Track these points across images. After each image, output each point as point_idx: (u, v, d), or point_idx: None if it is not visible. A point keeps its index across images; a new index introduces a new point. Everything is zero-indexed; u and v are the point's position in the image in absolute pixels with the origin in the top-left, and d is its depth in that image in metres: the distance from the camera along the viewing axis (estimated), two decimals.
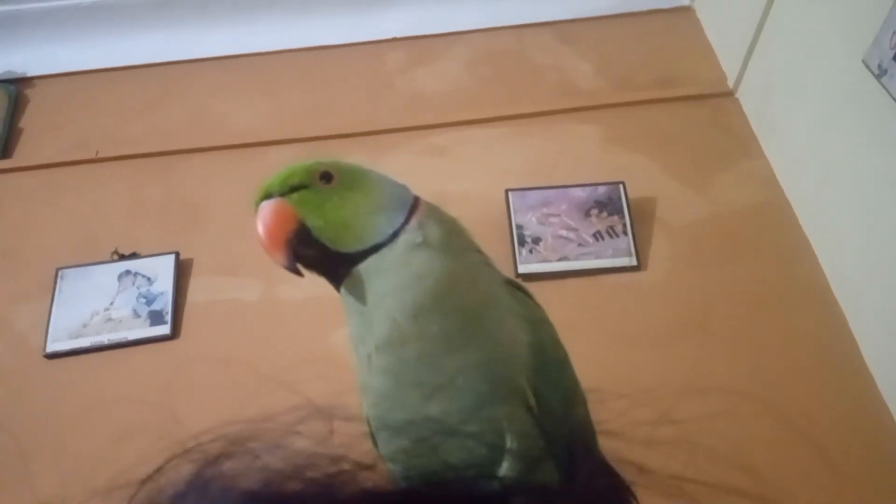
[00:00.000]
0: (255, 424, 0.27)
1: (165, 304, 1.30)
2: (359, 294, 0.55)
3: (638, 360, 1.17)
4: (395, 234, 0.55)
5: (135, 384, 1.22)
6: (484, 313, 0.55)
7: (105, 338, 1.26)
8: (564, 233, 1.31)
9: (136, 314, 1.29)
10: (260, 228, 0.55)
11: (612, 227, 1.32)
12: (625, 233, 1.31)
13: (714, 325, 1.21)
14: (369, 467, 0.26)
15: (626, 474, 0.29)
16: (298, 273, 0.56)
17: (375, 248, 0.54)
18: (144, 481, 0.25)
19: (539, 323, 0.60)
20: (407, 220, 0.55)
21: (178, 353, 1.25)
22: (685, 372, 1.15)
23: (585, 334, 1.18)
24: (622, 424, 0.36)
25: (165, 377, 1.21)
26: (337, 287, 0.57)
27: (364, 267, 0.54)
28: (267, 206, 0.55)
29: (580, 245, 1.30)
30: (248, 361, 1.19)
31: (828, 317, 1.21)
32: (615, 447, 0.32)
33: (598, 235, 1.31)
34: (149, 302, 1.30)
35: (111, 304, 1.30)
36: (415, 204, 0.57)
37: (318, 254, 0.55)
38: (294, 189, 0.55)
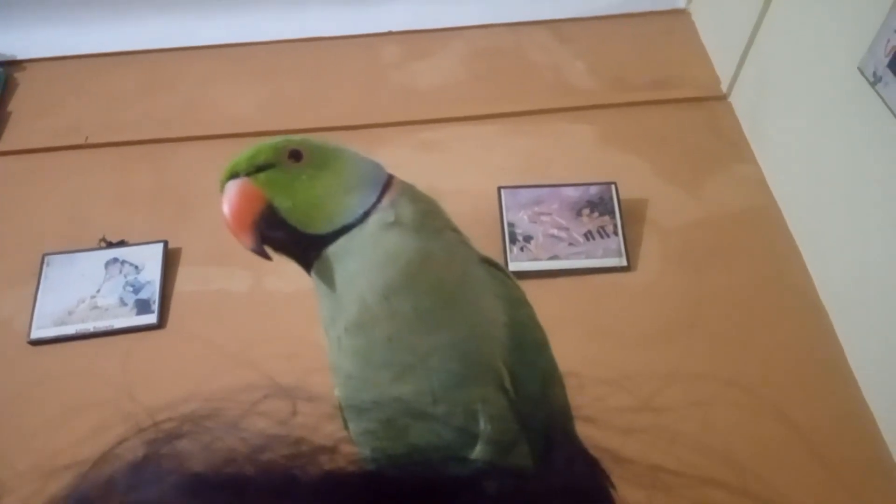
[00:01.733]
0: (213, 402, 0.26)
1: (153, 293, 1.29)
2: (328, 275, 0.53)
3: (623, 357, 1.18)
4: (367, 214, 0.53)
5: (120, 372, 1.21)
6: (459, 293, 0.54)
7: (91, 325, 1.25)
8: (555, 232, 1.31)
9: (123, 302, 1.28)
10: (225, 209, 0.53)
11: (603, 228, 1.32)
12: (615, 233, 1.31)
13: (701, 327, 1.22)
14: (331, 450, 0.25)
15: (603, 462, 0.28)
16: (266, 256, 0.54)
17: (346, 229, 0.52)
18: (96, 462, 0.24)
19: (517, 303, 0.59)
20: (379, 199, 0.54)
21: (164, 342, 1.24)
22: (669, 369, 1.16)
23: (574, 333, 1.18)
24: (600, 410, 0.35)
25: (150, 366, 1.20)
26: (308, 270, 0.55)
27: (333, 248, 0.52)
28: (233, 186, 0.53)
29: (571, 244, 1.30)
30: (234, 351, 1.18)
31: (814, 321, 1.21)
32: (592, 434, 0.32)
33: (588, 235, 1.31)
34: (136, 290, 1.29)
35: (97, 291, 1.29)
36: (388, 182, 0.55)
37: (287, 236, 0.53)
38: (261, 168, 0.53)
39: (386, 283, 0.51)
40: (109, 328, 1.25)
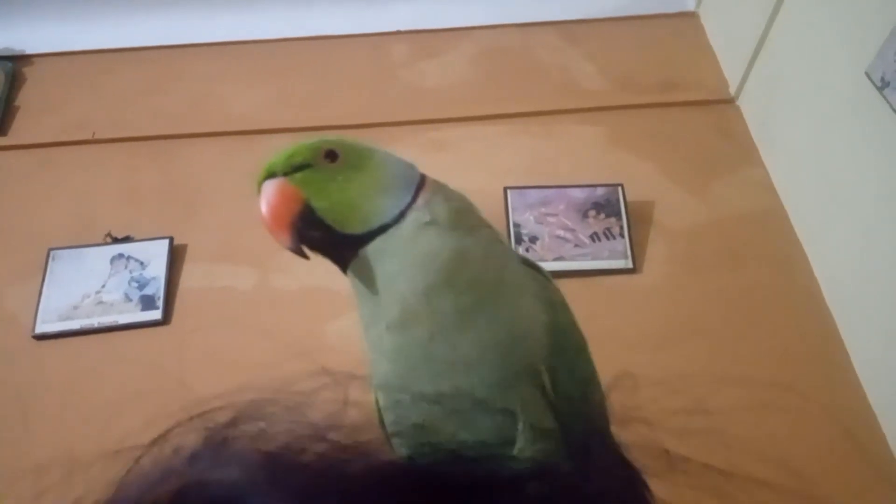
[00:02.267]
0: (268, 393, 0.27)
1: (157, 289, 1.29)
2: (367, 276, 0.53)
3: (626, 360, 1.17)
4: (402, 214, 0.53)
5: (124, 368, 1.21)
6: (498, 290, 0.54)
7: (95, 321, 1.25)
8: (562, 233, 1.31)
9: (128, 298, 1.28)
10: (264, 209, 0.53)
11: (609, 229, 1.31)
12: (622, 235, 1.31)
13: (705, 330, 1.22)
14: (384, 441, 0.25)
15: (656, 464, 0.28)
16: (304, 255, 0.54)
17: (382, 229, 0.53)
18: (150, 444, 0.25)
19: (558, 306, 0.59)
20: (414, 199, 0.54)
21: (168, 338, 1.24)
22: (671, 373, 1.15)
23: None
24: (653, 412, 0.35)
25: (155, 362, 1.20)
26: (343, 269, 0.55)
27: (371, 248, 0.53)
28: (271, 186, 0.53)
29: (577, 246, 1.30)
30: (239, 348, 1.18)
31: (820, 325, 1.21)
32: (645, 433, 0.32)
33: (595, 237, 1.31)
34: (141, 286, 1.29)
35: (102, 287, 1.29)
36: (421, 182, 0.56)
37: (324, 235, 0.53)
38: (298, 168, 0.53)
39: (426, 282, 0.51)
40: (114, 324, 1.25)
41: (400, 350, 0.53)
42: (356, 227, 0.53)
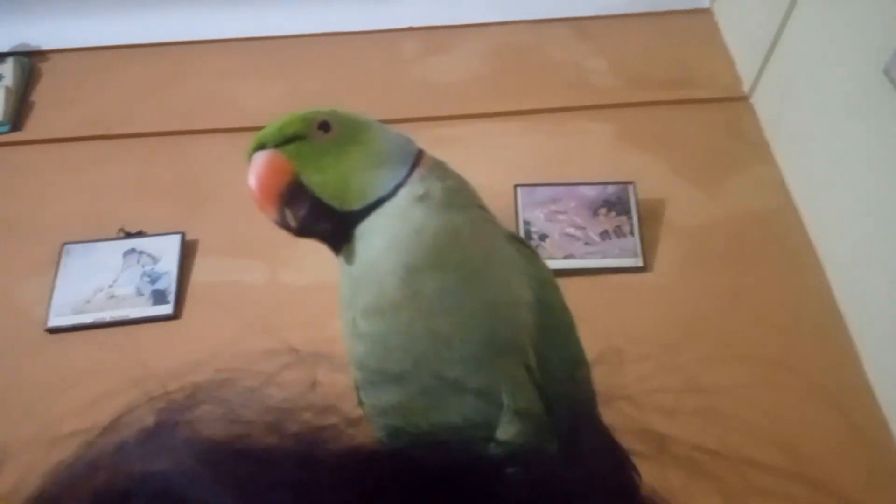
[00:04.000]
0: (229, 372, 0.26)
1: (169, 283, 1.30)
2: (353, 254, 0.52)
3: (637, 360, 1.17)
4: (398, 187, 0.52)
5: (134, 361, 1.22)
6: (485, 270, 0.53)
7: (107, 315, 1.26)
8: (572, 231, 1.31)
9: (140, 293, 1.29)
10: (251, 181, 0.52)
11: (619, 227, 1.31)
12: (632, 233, 1.30)
13: (716, 330, 1.21)
14: (355, 423, 0.24)
15: (645, 446, 0.28)
16: (290, 228, 0.53)
17: (377, 204, 0.51)
18: (104, 429, 0.23)
19: (545, 283, 0.58)
20: (409, 173, 0.53)
21: (179, 332, 1.26)
22: (683, 373, 1.15)
23: (588, 333, 1.17)
24: (642, 391, 0.34)
25: (165, 356, 1.21)
26: (336, 251, 0.54)
27: (364, 226, 0.51)
28: (260, 157, 0.52)
29: (587, 244, 1.30)
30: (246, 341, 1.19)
31: (830, 325, 1.20)
32: (633, 415, 0.31)
33: (605, 235, 1.30)
34: (153, 281, 1.30)
35: (115, 281, 1.30)
36: (418, 157, 0.55)
37: (316, 211, 0.52)
38: (290, 140, 0.52)
39: (409, 261, 0.50)
40: (126, 318, 1.26)
41: (375, 335, 0.52)
42: (353, 203, 0.52)
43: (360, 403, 0.53)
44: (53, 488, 0.21)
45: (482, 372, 0.52)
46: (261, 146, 0.52)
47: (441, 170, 0.55)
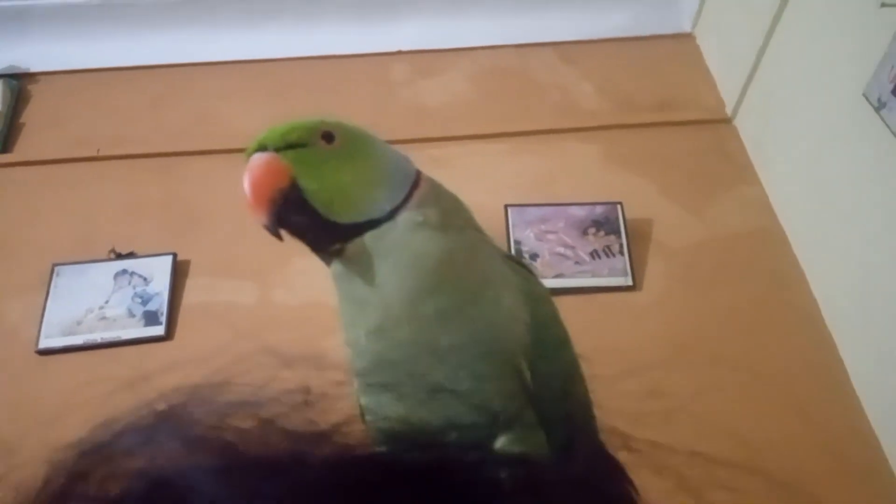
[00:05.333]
0: (223, 377, 0.26)
1: (161, 304, 1.29)
2: (352, 276, 0.52)
3: (627, 377, 1.18)
4: (395, 211, 0.52)
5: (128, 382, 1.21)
6: (481, 291, 0.54)
7: (98, 336, 1.26)
8: (562, 250, 1.33)
9: (131, 314, 1.28)
10: (246, 182, 0.50)
11: (608, 247, 1.33)
12: (621, 252, 1.32)
13: (705, 348, 1.22)
14: (349, 426, 0.24)
15: (612, 445, 0.28)
16: (278, 236, 0.52)
17: (371, 224, 0.51)
18: (93, 428, 0.24)
19: (540, 300, 0.59)
20: (408, 198, 0.52)
21: (171, 354, 1.25)
22: (674, 387, 1.16)
23: (578, 350, 1.18)
24: (608, 396, 0.35)
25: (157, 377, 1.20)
26: (327, 262, 0.54)
27: (359, 245, 0.51)
28: (258, 159, 0.51)
29: (577, 263, 1.31)
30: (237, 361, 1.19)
31: (817, 341, 1.22)
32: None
33: (594, 254, 1.32)
34: (144, 302, 1.30)
35: (106, 302, 1.30)
36: (416, 180, 0.54)
37: (308, 221, 0.51)
38: (291, 146, 0.51)
39: (413, 286, 0.51)
40: (117, 339, 1.26)
41: (379, 353, 0.53)
42: (344, 217, 0.51)
43: (362, 413, 0.53)
44: (57, 480, 0.22)
45: (478, 384, 0.53)
46: (261, 148, 0.52)
47: (437, 192, 0.56)
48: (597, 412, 0.61)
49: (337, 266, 0.53)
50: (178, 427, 0.23)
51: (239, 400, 0.25)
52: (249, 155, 0.52)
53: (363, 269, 0.52)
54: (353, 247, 0.52)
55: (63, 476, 0.22)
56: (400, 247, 0.51)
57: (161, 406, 0.24)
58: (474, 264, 0.55)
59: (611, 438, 0.34)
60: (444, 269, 0.52)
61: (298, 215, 0.51)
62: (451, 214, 0.55)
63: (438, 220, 0.52)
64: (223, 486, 0.21)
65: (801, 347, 1.22)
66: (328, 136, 0.52)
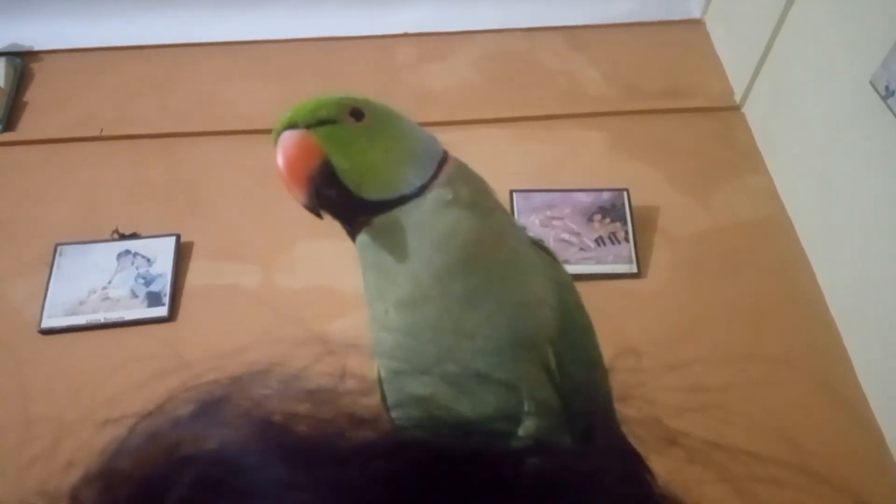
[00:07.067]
0: (263, 364, 0.26)
1: (164, 285, 1.29)
2: (379, 248, 0.52)
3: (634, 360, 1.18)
4: (423, 188, 0.51)
5: (128, 364, 1.21)
6: (509, 273, 0.53)
7: (101, 316, 1.26)
8: (567, 236, 1.32)
9: (134, 294, 1.28)
10: (280, 161, 0.50)
11: (614, 234, 1.32)
12: (626, 240, 1.31)
13: (709, 336, 1.22)
14: (386, 412, 0.25)
15: (654, 441, 0.28)
16: (318, 215, 0.52)
17: (401, 200, 0.51)
18: (144, 416, 0.24)
19: (565, 287, 0.59)
20: (436, 175, 0.52)
21: (174, 334, 1.25)
22: (681, 374, 1.16)
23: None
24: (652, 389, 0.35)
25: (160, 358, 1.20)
26: (352, 236, 0.54)
27: (386, 220, 0.51)
28: (290, 137, 0.50)
29: (582, 249, 1.31)
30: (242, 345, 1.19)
31: (822, 332, 1.22)
32: (643, 411, 0.32)
33: (600, 241, 1.31)
34: (147, 283, 1.29)
35: (109, 282, 1.29)
36: (444, 158, 0.54)
37: (338, 196, 0.51)
38: (321, 122, 0.51)
39: (442, 263, 0.50)
40: (120, 319, 1.25)
41: (407, 328, 0.52)
42: (374, 193, 0.51)
43: (383, 398, 0.53)
44: (113, 461, 0.22)
45: (504, 367, 0.53)
46: (291, 125, 0.51)
47: (465, 171, 0.55)
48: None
49: (364, 237, 0.53)
50: (228, 410, 0.24)
51: (282, 385, 0.25)
52: (279, 132, 0.51)
53: (392, 241, 0.51)
54: (381, 219, 0.51)
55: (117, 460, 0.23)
56: (429, 224, 0.51)
57: (205, 391, 0.25)
58: (503, 246, 0.54)
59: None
60: (474, 249, 0.51)
61: (330, 191, 0.51)
62: (480, 195, 0.54)
63: (468, 200, 0.52)
64: (287, 471, 0.21)
65: (806, 337, 1.21)
66: (357, 113, 0.51)
